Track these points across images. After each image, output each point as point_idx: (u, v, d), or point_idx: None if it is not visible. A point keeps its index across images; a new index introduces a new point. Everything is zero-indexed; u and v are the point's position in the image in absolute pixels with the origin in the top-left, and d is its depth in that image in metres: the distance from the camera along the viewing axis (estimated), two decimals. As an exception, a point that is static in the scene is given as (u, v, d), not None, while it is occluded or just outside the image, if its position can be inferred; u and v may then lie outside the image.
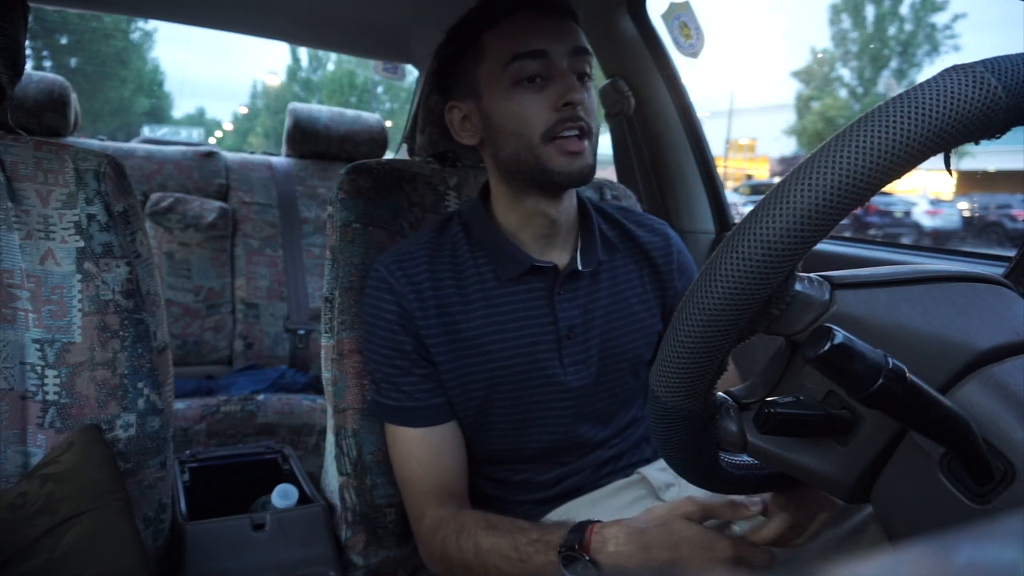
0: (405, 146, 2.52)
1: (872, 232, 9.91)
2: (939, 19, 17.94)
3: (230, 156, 2.13)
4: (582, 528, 0.75)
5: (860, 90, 19.30)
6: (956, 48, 17.52)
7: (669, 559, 0.69)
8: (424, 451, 0.90)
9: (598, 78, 1.67)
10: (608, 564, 0.71)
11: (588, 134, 0.84)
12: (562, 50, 0.84)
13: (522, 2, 0.85)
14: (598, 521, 0.75)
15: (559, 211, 0.89)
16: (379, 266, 0.91)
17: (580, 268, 0.91)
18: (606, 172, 1.80)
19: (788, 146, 20.74)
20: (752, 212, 0.42)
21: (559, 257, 0.92)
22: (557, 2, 0.86)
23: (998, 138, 0.41)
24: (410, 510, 0.92)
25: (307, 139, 2.14)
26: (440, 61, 0.93)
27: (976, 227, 10.69)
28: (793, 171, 0.41)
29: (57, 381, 0.85)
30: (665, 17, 1.46)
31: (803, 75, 20.47)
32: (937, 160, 0.42)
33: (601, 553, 0.72)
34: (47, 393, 0.85)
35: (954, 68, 0.39)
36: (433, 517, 0.87)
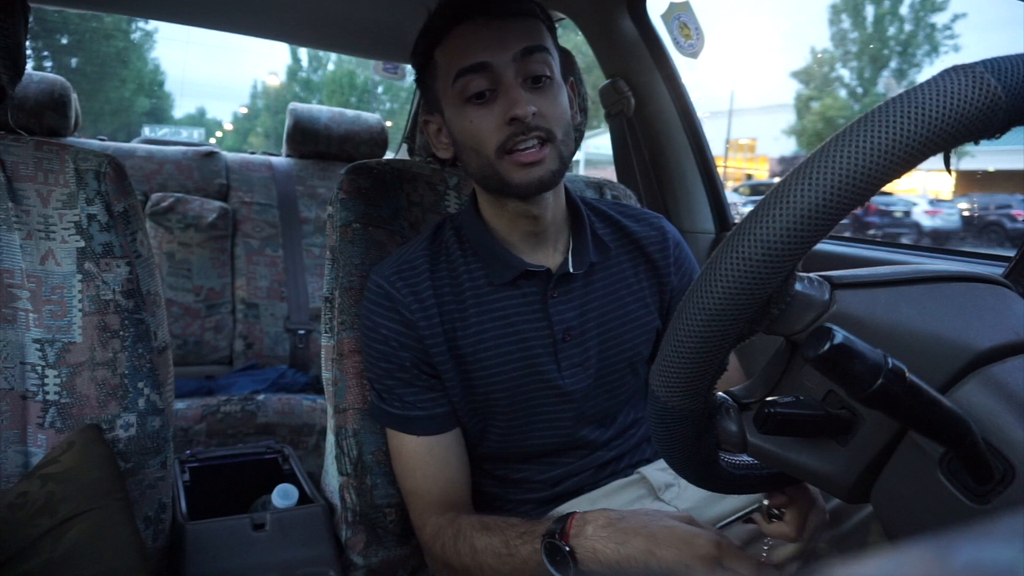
0: (405, 146, 2.53)
1: (872, 232, 9.91)
2: (939, 19, 17.96)
3: (230, 156, 2.13)
4: (565, 517, 0.74)
5: (860, 90, 19.30)
6: (956, 48, 17.53)
7: (646, 548, 0.68)
8: (428, 461, 0.90)
9: (598, 78, 1.67)
10: (585, 548, 0.71)
11: (550, 140, 0.82)
12: (506, 58, 0.80)
13: (463, 13, 0.82)
14: (575, 514, 0.75)
15: (542, 209, 0.87)
16: (379, 278, 0.90)
17: (571, 271, 0.90)
18: (606, 172, 1.80)
19: (788, 146, 20.75)
20: (752, 212, 0.42)
21: (551, 259, 0.92)
22: (499, 5, 0.82)
23: (998, 138, 0.41)
24: (413, 519, 0.93)
25: (307, 139, 2.14)
26: (415, 76, 0.92)
27: (976, 227, 10.69)
28: (793, 171, 0.41)
29: (57, 381, 0.85)
30: (665, 17, 1.46)
31: (803, 75, 20.48)
32: (937, 160, 0.42)
33: (579, 538, 0.72)
34: (47, 393, 0.85)
35: (954, 68, 0.39)
36: (433, 525, 0.88)
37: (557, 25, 1.00)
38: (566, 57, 1.06)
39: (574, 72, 1.01)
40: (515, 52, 0.81)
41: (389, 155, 2.51)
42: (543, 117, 0.81)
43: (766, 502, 0.74)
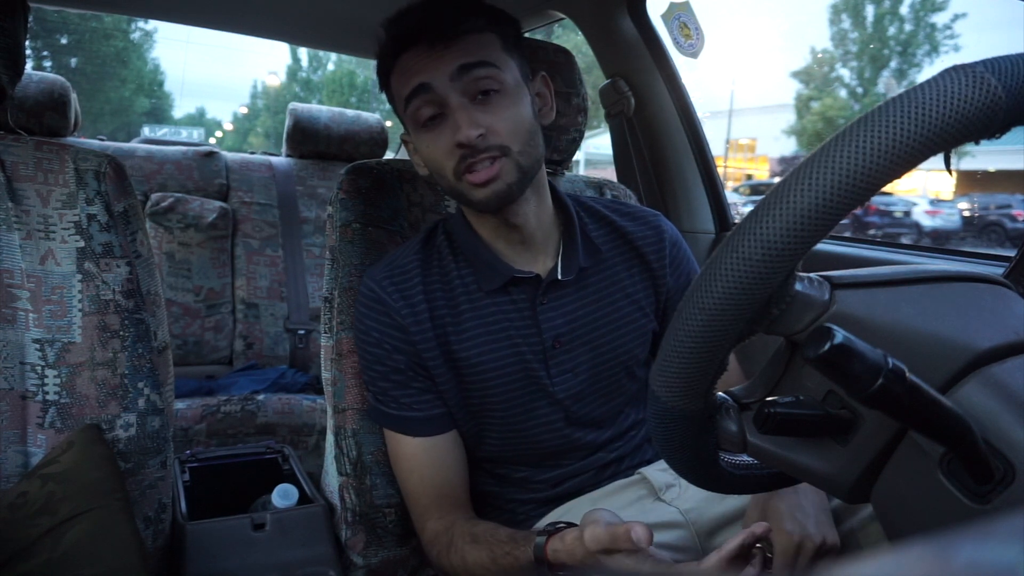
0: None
1: (872, 232, 9.92)
2: (939, 19, 17.95)
3: (230, 156, 2.13)
4: (542, 545, 0.74)
5: (860, 90, 19.30)
6: (956, 48, 17.52)
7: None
8: (426, 463, 0.90)
9: (598, 78, 1.67)
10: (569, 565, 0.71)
11: (504, 154, 0.81)
12: (443, 77, 0.80)
13: (407, 41, 0.82)
14: (559, 530, 0.75)
15: (520, 218, 0.87)
16: (371, 282, 0.90)
17: (560, 277, 0.90)
18: (606, 172, 1.80)
19: (788, 146, 20.74)
20: (752, 212, 0.42)
21: (541, 265, 0.91)
22: (438, 30, 0.81)
23: (998, 138, 0.41)
24: (414, 520, 0.94)
25: (307, 139, 2.14)
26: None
27: (976, 227, 10.69)
28: (793, 171, 0.41)
29: (57, 381, 0.85)
30: (665, 17, 1.46)
31: (803, 75, 20.48)
32: (937, 160, 0.42)
33: (558, 561, 0.72)
34: (47, 393, 0.85)
35: (954, 68, 0.39)
36: (431, 531, 0.89)
37: (557, 25, 1.00)
38: (565, 57, 1.06)
39: (555, 68, 1.01)
40: (451, 71, 0.80)
41: (389, 155, 2.51)
42: (494, 133, 0.80)
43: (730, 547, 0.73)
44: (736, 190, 13.43)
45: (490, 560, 0.79)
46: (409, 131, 0.88)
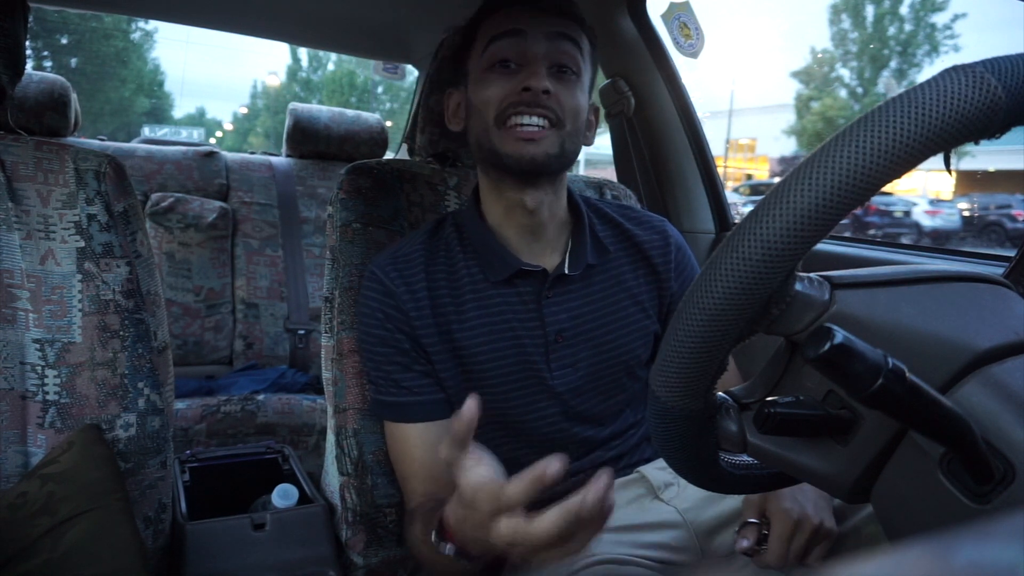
0: (405, 146, 2.53)
1: (872, 232, 9.92)
2: (939, 19, 17.95)
3: (230, 156, 2.13)
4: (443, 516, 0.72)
5: (860, 90, 19.31)
6: (956, 48, 17.52)
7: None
8: (421, 446, 0.90)
9: (598, 78, 1.67)
10: (455, 530, 0.70)
11: (555, 125, 0.84)
12: (538, 32, 0.84)
13: None
14: None
15: (536, 201, 0.88)
16: (375, 268, 0.92)
17: (567, 272, 0.91)
18: (606, 172, 1.80)
19: (788, 146, 20.74)
20: (752, 212, 0.42)
21: (549, 260, 0.92)
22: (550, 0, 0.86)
23: (998, 138, 0.41)
24: (406, 503, 0.93)
25: (307, 139, 2.14)
26: (449, 52, 0.95)
27: (976, 227, 10.70)
28: (793, 171, 0.41)
29: (57, 381, 0.85)
30: (665, 17, 1.46)
31: (803, 75, 20.48)
32: (937, 160, 0.42)
33: (459, 535, 0.71)
34: (47, 393, 0.85)
35: (954, 68, 0.39)
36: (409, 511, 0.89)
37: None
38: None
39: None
40: (549, 31, 0.85)
41: (389, 155, 2.51)
42: (556, 100, 0.83)
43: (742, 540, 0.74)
44: (736, 190, 13.44)
45: (421, 532, 0.79)
46: (472, 75, 0.89)
